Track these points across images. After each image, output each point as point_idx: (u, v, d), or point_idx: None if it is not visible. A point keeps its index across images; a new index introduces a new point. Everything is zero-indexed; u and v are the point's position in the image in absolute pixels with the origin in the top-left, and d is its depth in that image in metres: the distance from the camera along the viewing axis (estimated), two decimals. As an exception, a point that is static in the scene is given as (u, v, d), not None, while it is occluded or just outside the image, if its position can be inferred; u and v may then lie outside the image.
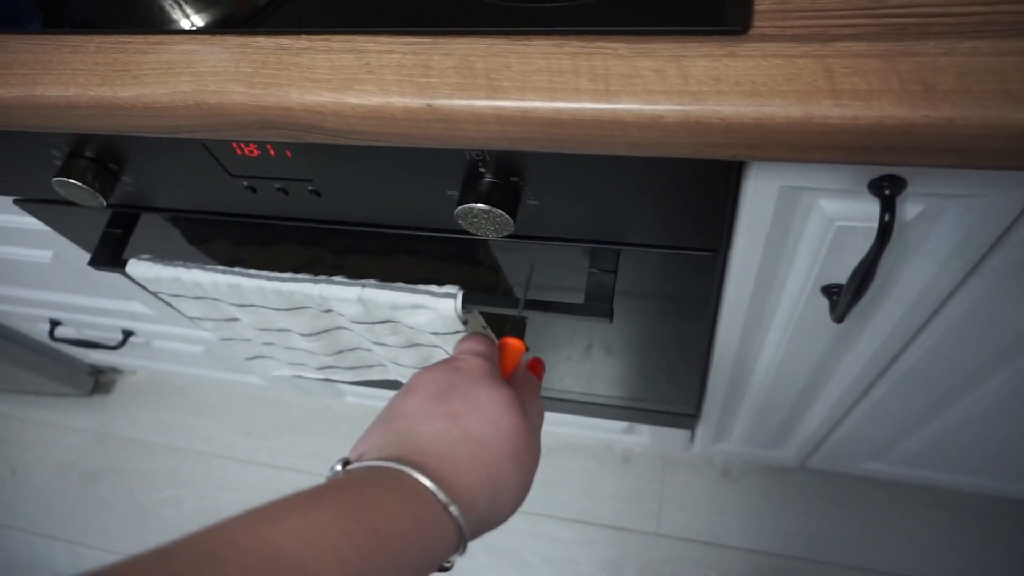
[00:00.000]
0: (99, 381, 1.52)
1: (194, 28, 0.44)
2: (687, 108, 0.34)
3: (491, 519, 0.37)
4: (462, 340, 0.46)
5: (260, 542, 0.27)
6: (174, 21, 0.45)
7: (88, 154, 0.54)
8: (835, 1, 0.35)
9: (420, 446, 0.36)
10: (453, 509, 0.34)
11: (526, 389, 0.44)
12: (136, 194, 0.59)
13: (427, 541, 0.32)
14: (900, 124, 0.32)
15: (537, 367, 0.49)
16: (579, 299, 0.54)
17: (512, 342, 0.47)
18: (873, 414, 0.77)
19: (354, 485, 0.32)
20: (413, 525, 0.32)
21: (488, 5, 0.40)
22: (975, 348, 0.58)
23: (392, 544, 0.30)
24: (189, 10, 0.46)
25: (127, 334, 1.11)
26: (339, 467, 0.36)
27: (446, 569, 0.36)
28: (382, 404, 1.24)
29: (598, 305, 0.53)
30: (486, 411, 0.38)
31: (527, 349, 0.48)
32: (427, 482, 0.34)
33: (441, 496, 0.33)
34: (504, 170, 0.46)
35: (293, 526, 0.28)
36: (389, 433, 0.38)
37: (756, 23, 0.36)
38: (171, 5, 0.47)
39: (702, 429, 0.96)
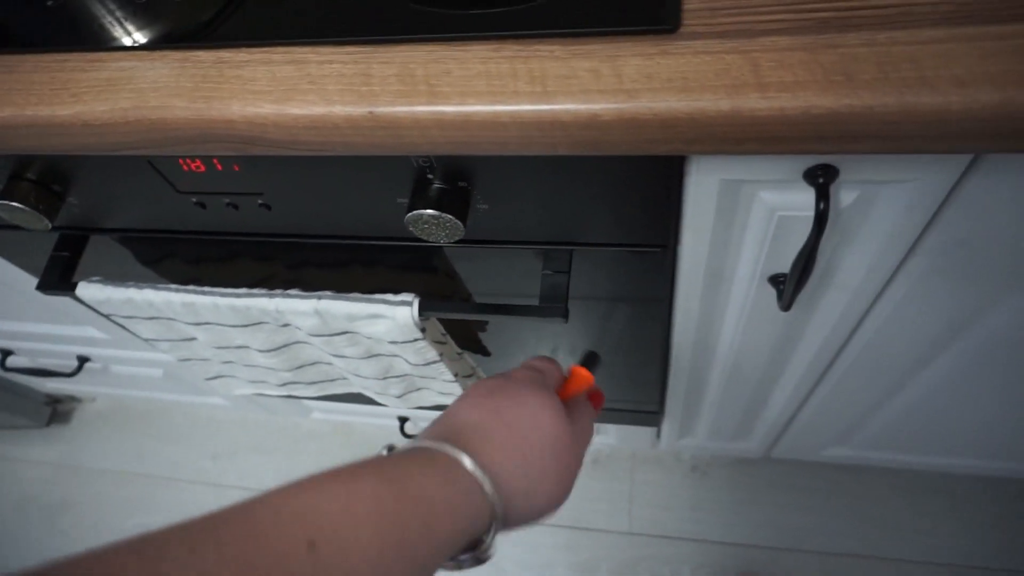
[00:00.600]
0: (56, 410, 1.48)
1: (134, 45, 0.44)
2: (622, 106, 0.35)
3: (526, 506, 0.39)
4: (528, 360, 0.48)
5: (297, 502, 0.30)
6: (114, 39, 0.45)
7: (30, 176, 0.53)
8: (760, -2, 0.37)
9: (458, 426, 0.39)
10: (484, 482, 0.35)
11: (579, 410, 0.46)
12: (83, 215, 0.59)
13: (457, 511, 0.34)
14: (825, 113, 0.33)
15: (597, 399, 0.50)
16: (535, 302, 0.55)
17: (582, 372, 0.49)
18: (830, 400, 0.79)
19: (392, 459, 0.35)
20: (442, 492, 0.33)
21: (426, 13, 0.41)
22: (919, 328, 0.60)
23: (422, 510, 0.32)
24: (130, 27, 0.46)
25: (82, 360, 1.08)
26: (384, 452, 0.37)
27: (483, 560, 0.37)
28: (350, 419, 1.24)
29: (553, 306, 0.54)
30: (529, 408, 0.41)
31: (594, 383, 0.49)
32: (456, 453, 0.35)
33: (468, 463, 0.35)
34: (452, 175, 0.46)
35: (331, 490, 0.31)
36: (435, 424, 0.41)
37: (686, 22, 0.37)
38: (111, 23, 0.46)
39: (667, 425, 0.97)
